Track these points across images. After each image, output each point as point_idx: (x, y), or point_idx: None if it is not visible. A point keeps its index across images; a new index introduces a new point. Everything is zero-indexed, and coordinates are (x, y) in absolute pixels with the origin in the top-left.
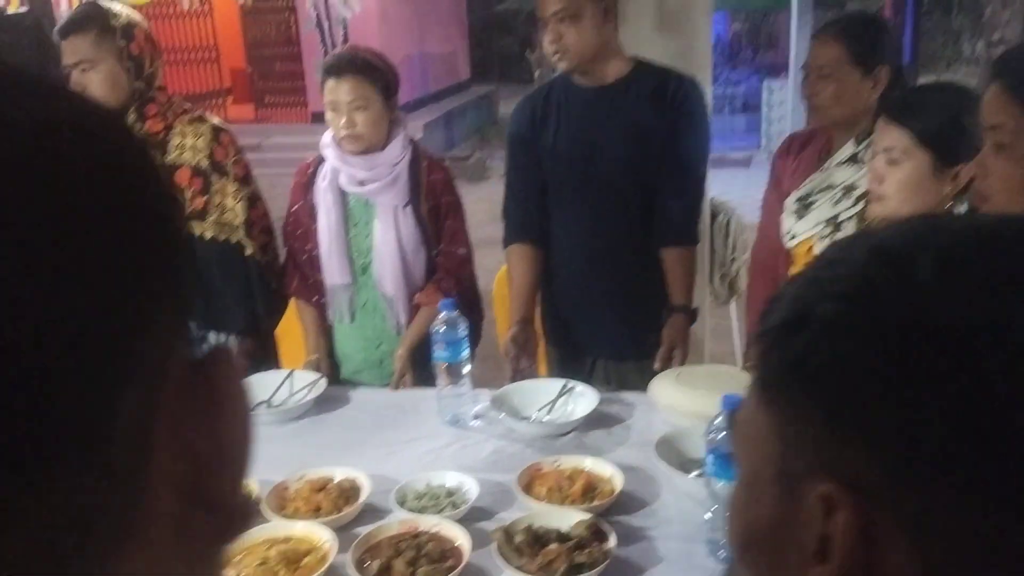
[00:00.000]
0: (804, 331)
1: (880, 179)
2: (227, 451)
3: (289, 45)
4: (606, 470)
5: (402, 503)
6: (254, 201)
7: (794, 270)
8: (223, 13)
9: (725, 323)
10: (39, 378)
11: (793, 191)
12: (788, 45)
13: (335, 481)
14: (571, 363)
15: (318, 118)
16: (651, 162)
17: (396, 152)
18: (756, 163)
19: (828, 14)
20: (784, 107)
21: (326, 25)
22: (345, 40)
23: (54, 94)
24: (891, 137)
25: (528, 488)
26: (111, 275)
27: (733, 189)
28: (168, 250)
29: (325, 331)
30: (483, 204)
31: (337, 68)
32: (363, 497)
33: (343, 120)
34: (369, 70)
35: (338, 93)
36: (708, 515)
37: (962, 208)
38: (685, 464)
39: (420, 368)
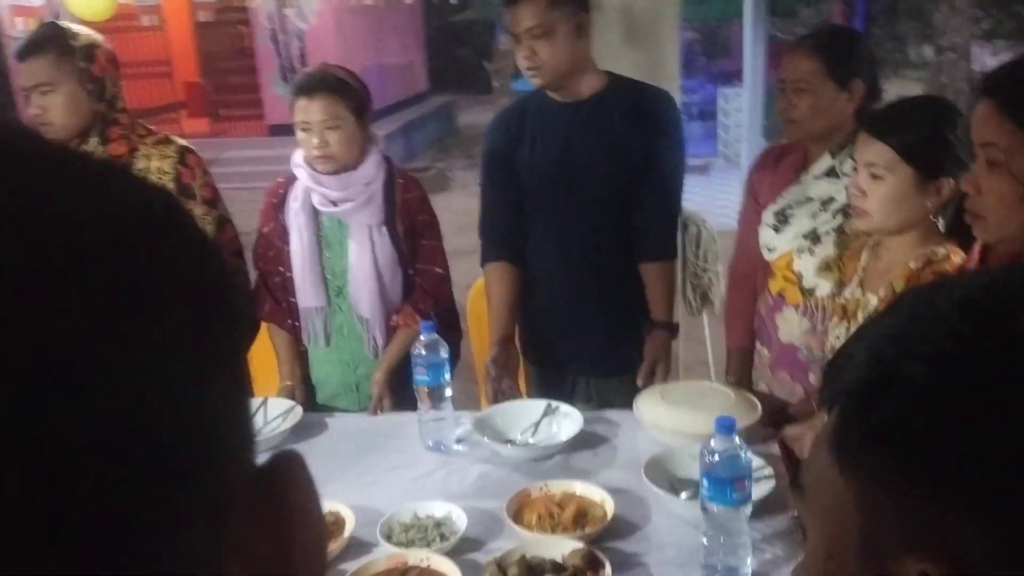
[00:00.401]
0: (890, 394)
1: (863, 194)
2: (299, 565)
3: (244, 58)
4: (597, 495)
5: (389, 536)
6: (223, 224)
7: (773, 283)
8: (176, 26)
9: (698, 331)
10: (111, 501)
11: (770, 204)
12: (742, 53)
13: None
14: (552, 381)
15: (276, 131)
16: (629, 177)
17: (370, 171)
18: (714, 170)
19: (780, 23)
20: (740, 115)
21: (281, 37)
22: (301, 53)
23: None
24: (873, 152)
25: (517, 516)
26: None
27: (693, 196)
28: (238, 345)
29: (299, 356)
30: (445, 215)
31: (308, 87)
32: (347, 531)
33: (315, 140)
34: (341, 89)
35: (310, 113)
36: (704, 540)
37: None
38: (674, 484)
39: (399, 391)
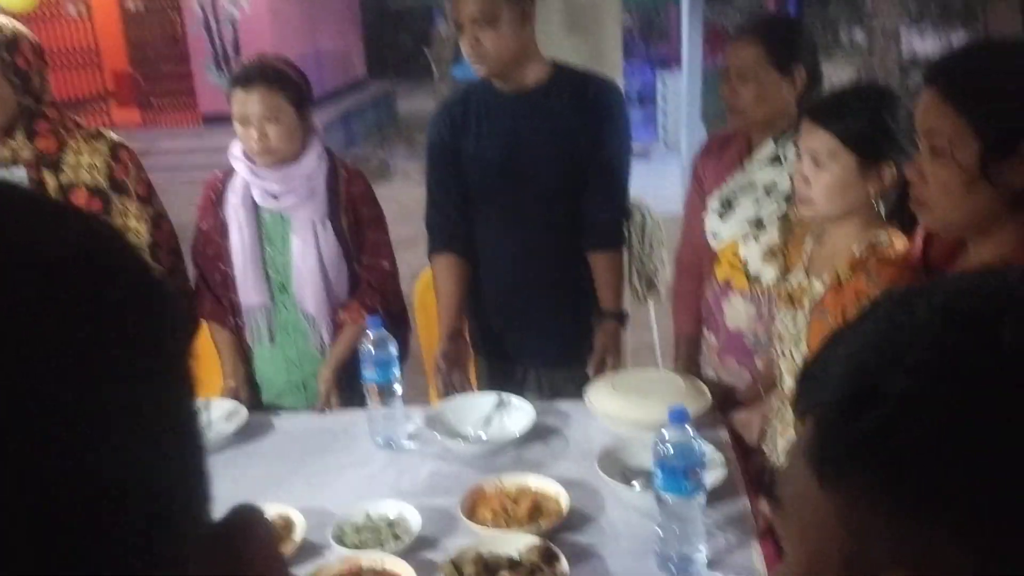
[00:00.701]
0: (874, 407)
1: (807, 181)
2: None
3: (175, 45)
4: (551, 488)
5: (341, 539)
6: (159, 221)
7: (719, 270)
8: (103, 14)
9: (644, 316)
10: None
11: (715, 192)
12: (679, 38)
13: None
14: (502, 373)
15: (210, 120)
16: (575, 167)
17: (312, 164)
18: (655, 155)
19: (716, 7)
20: (679, 99)
21: (214, 25)
22: (235, 40)
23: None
24: (816, 140)
25: (472, 512)
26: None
27: (634, 182)
28: (188, 404)
29: (243, 355)
30: (389, 205)
31: (245, 79)
32: (298, 535)
33: (254, 133)
34: (280, 80)
35: (248, 105)
36: (658, 529)
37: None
38: (627, 474)
39: (347, 388)
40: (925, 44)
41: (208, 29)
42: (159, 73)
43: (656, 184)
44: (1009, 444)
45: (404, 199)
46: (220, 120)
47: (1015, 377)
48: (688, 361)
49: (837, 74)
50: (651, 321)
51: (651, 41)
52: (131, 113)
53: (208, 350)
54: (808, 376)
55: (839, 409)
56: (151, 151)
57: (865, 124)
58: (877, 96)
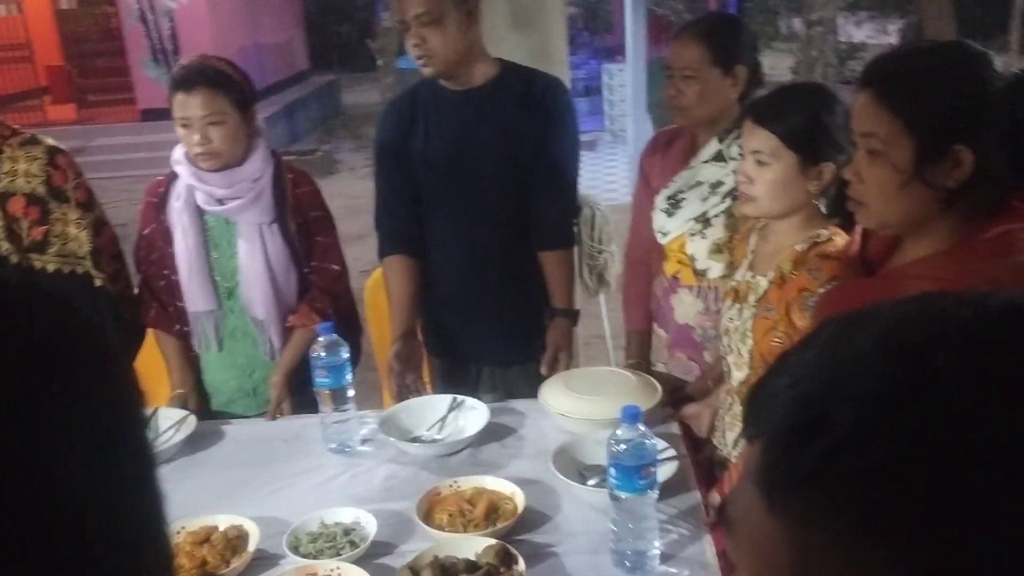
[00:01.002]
0: (821, 437)
1: (750, 180)
2: None
3: (111, 40)
4: (507, 488)
5: (296, 548)
6: (100, 227)
7: (667, 266)
8: (34, 7)
9: (594, 307)
10: None
11: (662, 189)
12: (623, 30)
13: (220, 530)
14: (456, 373)
15: (148, 115)
16: (523, 165)
17: (257, 167)
18: (601, 145)
19: None
20: (624, 90)
21: (150, 18)
22: (172, 33)
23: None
24: (758, 140)
25: (428, 516)
26: None
27: (582, 172)
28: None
29: (190, 362)
30: (335, 199)
31: (186, 81)
32: (252, 545)
33: (196, 136)
34: (222, 82)
35: (189, 108)
36: (612, 526)
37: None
38: (582, 471)
39: (298, 393)
40: (861, 32)
41: (144, 22)
42: (95, 68)
43: (603, 174)
44: (941, 470)
45: (350, 192)
46: (158, 115)
47: (949, 406)
48: (639, 356)
49: (777, 63)
50: (602, 313)
51: (596, 32)
52: (66, 110)
53: (154, 358)
54: (755, 402)
55: (786, 437)
56: (87, 149)
57: (805, 124)
58: (816, 96)
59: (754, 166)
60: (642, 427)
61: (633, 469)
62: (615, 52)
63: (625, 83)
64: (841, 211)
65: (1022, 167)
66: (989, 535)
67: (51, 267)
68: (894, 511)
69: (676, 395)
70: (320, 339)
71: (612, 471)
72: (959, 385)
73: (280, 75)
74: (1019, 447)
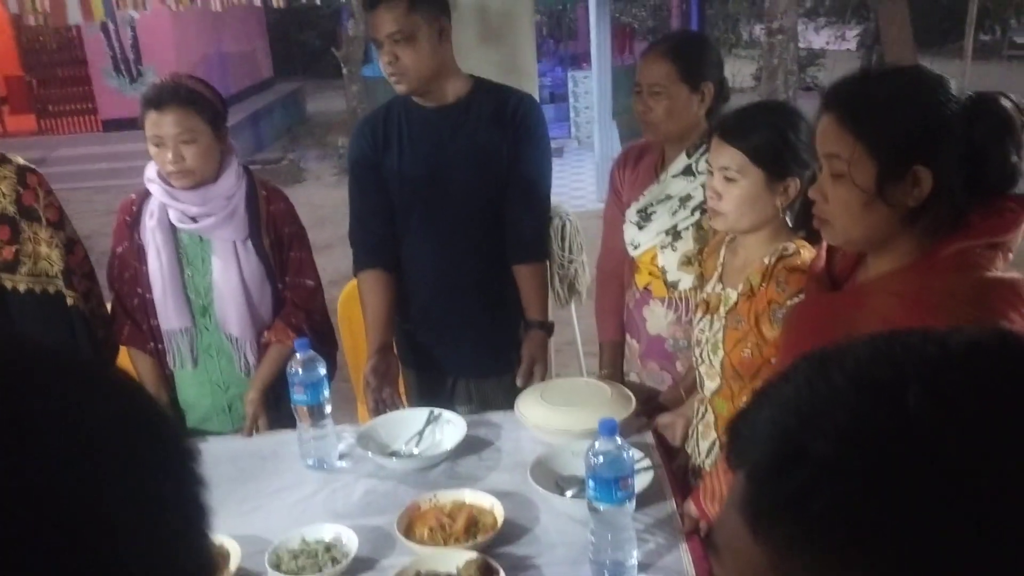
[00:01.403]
0: (800, 469)
1: (718, 196)
2: None
3: (72, 49)
4: (486, 501)
5: (277, 566)
6: (71, 246)
7: (639, 278)
8: None
9: (565, 314)
10: None
11: (633, 203)
12: (588, 37)
13: None
14: (431, 384)
15: (110, 126)
16: (496, 181)
17: (230, 184)
18: (568, 152)
19: (623, 6)
20: (590, 96)
21: (112, 27)
22: (134, 43)
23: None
24: (726, 157)
25: (409, 531)
26: None
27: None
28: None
29: (165, 380)
30: (302, 208)
31: (158, 100)
32: (233, 564)
33: (169, 155)
34: (195, 100)
35: (162, 127)
36: (591, 537)
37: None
38: (560, 483)
39: (274, 409)
40: (820, 39)
41: (106, 32)
42: (55, 78)
43: (570, 180)
44: (911, 500)
45: (317, 201)
46: (120, 125)
47: (918, 440)
48: (612, 367)
49: (739, 69)
50: (573, 319)
51: (560, 40)
52: (25, 120)
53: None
54: (737, 433)
55: (768, 468)
56: (48, 160)
57: (771, 141)
58: (781, 114)
59: (722, 182)
60: (619, 440)
61: (611, 481)
62: (580, 59)
63: (590, 90)
64: (806, 224)
65: (979, 185)
66: (958, 560)
67: (22, 287)
68: (868, 538)
69: (649, 404)
70: (297, 355)
71: (591, 483)
72: (926, 421)
73: (244, 83)
74: (982, 478)
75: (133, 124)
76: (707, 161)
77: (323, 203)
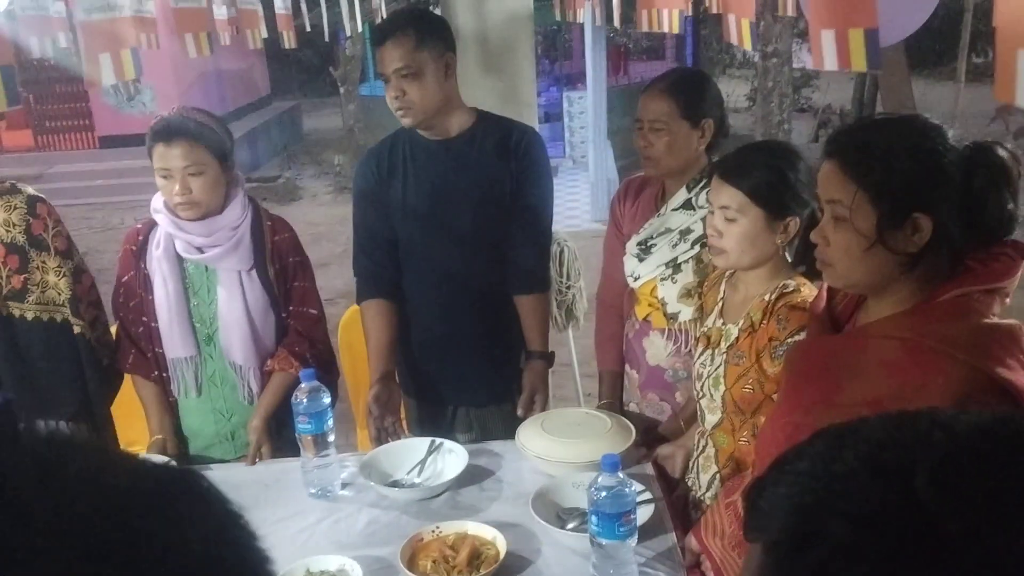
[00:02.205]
0: (818, 549)
1: (719, 234)
2: None
3: (70, 66)
4: (488, 533)
5: None
6: (79, 275)
7: (639, 309)
8: None
9: (561, 335)
10: None
11: (634, 235)
12: (583, 57)
13: None
14: (431, 413)
15: (106, 143)
16: (499, 212)
17: (236, 215)
18: (563, 171)
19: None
20: (585, 116)
21: None
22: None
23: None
24: (727, 196)
25: (412, 562)
26: None
27: None
28: None
29: (169, 407)
30: (298, 226)
31: (166, 133)
32: None
33: (176, 187)
34: (202, 134)
35: (169, 159)
36: (593, 571)
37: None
38: (560, 515)
39: (276, 437)
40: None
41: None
42: (52, 94)
43: (565, 200)
44: None
45: (313, 219)
46: (117, 142)
47: (925, 524)
48: (611, 396)
49: (733, 89)
50: (569, 342)
51: (555, 60)
52: (22, 136)
53: (132, 402)
54: (755, 507)
55: (786, 546)
56: (45, 176)
57: (770, 181)
58: (781, 154)
59: (723, 221)
60: (621, 475)
61: (614, 516)
62: (575, 79)
63: (585, 110)
64: (805, 260)
65: (977, 232)
66: None
67: (30, 315)
68: None
69: (649, 435)
70: (302, 386)
71: (593, 518)
72: (933, 507)
73: (241, 101)
74: (987, 561)
75: (130, 141)
76: (707, 199)
77: (319, 221)
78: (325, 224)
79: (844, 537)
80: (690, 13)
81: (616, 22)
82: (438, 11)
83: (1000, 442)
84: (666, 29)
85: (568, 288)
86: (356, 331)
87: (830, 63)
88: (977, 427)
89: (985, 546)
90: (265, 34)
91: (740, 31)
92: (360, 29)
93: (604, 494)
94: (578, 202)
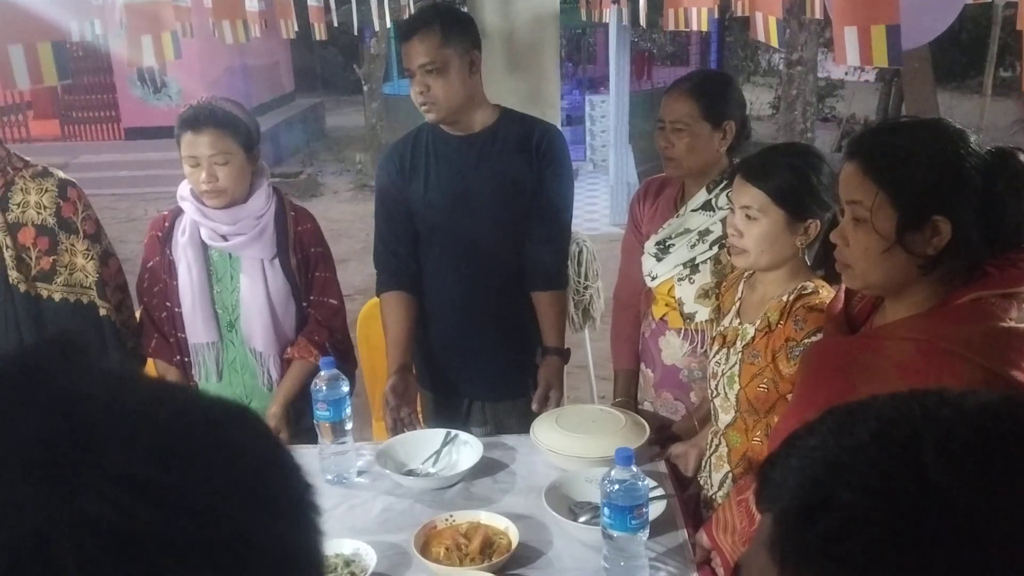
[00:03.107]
0: (828, 517)
1: (740, 234)
2: None
3: (97, 57)
4: (501, 523)
5: None
6: (106, 258)
7: (656, 308)
8: None
9: (577, 336)
10: None
11: (652, 235)
12: (607, 61)
13: None
14: (447, 406)
15: (132, 134)
16: (519, 209)
17: (260, 204)
18: (583, 174)
19: (641, 31)
20: (607, 120)
21: None
22: (174, 42)
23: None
24: (748, 196)
25: (425, 549)
26: None
27: None
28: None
29: None
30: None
31: (195, 121)
32: None
33: (203, 175)
34: (230, 122)
35: (197, 147)
36: (604, 563)
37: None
38: (573, 508)
39: (294, 424)
40: (839, 69)
41: None
42: (80, 85)
43: (584, 203)
44: (927, 549)
45: (333, 215)
46: (142, 133)
47: (933, 494)
48: (626, 395)
49: (757, 97)
50: (586, 343)
51: (579, 63)
52: (49, 126)
53: None
54: (767, 478)
55: (796, 515)
56: (71, 165)
57: (792, 182)
58: (804, 156)
59: (744, 220)
60: (635, 468)
61: (626, 509)
62: (598, 83)
63: (607, 114)
64: (825, 264)
65: (996, 237)
66: None
67: (57, 296)
68: None
69: (662, 434)
70: (322, 373)
71: (605, 511)
72: (940, 478)
73: (265, 96)
74: (990, 532)
75: (155, 133)
76: (728, 198)
77: (339, 218)
78: (345, 221)
79: (853, 506)
80: (716, 15)
81: (642, 22)
82: (465, 9)
83: (1006, 419)
84: (694, 27)
85: (586, 288)
86: (374, 326)
87: (852, 58)
88: (985, 405)
89: (990, 517)
90: (296, 27)
91: (767, 29)
92: (388, 26)
93: (617, 487)
94: (597, 206)
